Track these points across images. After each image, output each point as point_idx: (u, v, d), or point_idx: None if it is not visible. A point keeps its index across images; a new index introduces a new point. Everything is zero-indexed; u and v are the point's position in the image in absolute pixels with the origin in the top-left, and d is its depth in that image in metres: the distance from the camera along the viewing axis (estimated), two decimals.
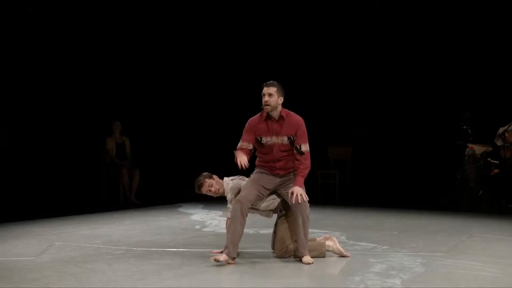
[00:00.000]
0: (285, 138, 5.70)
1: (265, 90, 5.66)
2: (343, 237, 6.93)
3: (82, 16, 11.06)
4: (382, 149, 11.59)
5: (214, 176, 6.08)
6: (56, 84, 11.08)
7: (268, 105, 5.62)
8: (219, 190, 6.02)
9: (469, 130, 10.01)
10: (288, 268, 5.45)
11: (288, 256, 5.74)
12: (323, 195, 11.41)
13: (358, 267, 5.34)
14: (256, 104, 5.77)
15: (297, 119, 5.74)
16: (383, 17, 11.42)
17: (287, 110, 5.75)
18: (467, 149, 10.09)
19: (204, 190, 6.03)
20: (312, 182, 11.59)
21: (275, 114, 5.68)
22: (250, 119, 5.84)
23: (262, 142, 5.73)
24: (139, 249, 6.31)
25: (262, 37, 12.17)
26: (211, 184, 6.01)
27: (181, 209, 9.71)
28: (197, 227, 7.85)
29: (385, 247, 6.33)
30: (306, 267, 5.46)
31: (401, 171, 11.26)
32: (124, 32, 11.63)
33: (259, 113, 5.79)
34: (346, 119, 11.96)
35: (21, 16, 10.45)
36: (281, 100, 5.69)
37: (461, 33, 10.90)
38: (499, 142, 9.94)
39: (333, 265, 5.47)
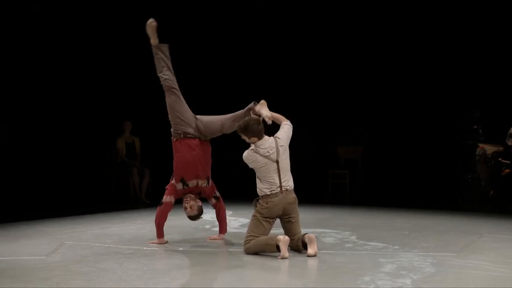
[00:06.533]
0: None
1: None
2: (354, 237, 6.92)
3: (93, 14, 11.05)
4: (392, 149, 11.55)
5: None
6: (68, 84, 11.11)
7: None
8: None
9: (480, 130, 9.97)
10: (297, 267, 5.45)
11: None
12: (334, 194, 11.40)
13: (368, 267, 5.33)
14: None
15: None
16: (393, 14, 11.36)
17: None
18: (478, 149, 10.06)
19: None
20: (323, 182, 11.61)
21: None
22: None
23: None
24: (149, 248, 6.32)
25: (272, 38, 12.12)
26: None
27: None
28: (207, 226, 7.86)
29: (395, 247, 6.31)
30: (315, 266, 5.47)
31: (412, 171, 11.21)
32: (135, 31, 11.63)
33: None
34: (357, 119, 11.93)
35: (33, 14, 10.48)
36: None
37: (471, 32, 10.84)
38: (510, 142, 9.91)
39: (343, 265, 5.46)
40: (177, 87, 6.62)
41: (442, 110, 11.08)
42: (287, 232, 5.96)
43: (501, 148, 10.03)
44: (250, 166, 6.01)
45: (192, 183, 6.45)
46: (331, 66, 11.93)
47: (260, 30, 12.10)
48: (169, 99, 6.60)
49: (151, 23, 6.64)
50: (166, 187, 6.54)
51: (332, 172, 11.49)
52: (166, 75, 6.61)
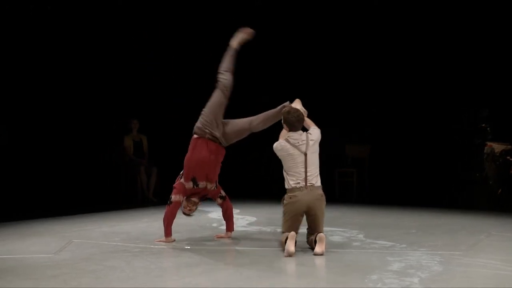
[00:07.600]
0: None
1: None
2: (361, 236, 6.91)
3: (97, 12, 11.06)
4: (400, 148, 11.54)
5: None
6: (74, 83, 11.12)
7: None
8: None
9: (488, 128, 9.95)
10: (304, 266, 5.45)
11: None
12: (341, 193, 11.38)
13: (376, 266, 5.32)
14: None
15: None
16: (399, 15, 11.34)
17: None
18: (486, 147, 10.03)
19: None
20: (330, 180, 11.59)
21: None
22: None
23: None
24: (157, 246, 6.34)
25: (272, 38, 12.06)
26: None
27: (198, 207, 9.70)
28: (215, 225, 7.87)
29: (403, 245, 6.30)
30: (322, 264, 5.46)
31: (420, 169, 11.20)
32: (142, 30, 11.64)
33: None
34: (364, 117, 11.91)
35: (41, 14, 10.50)
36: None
37: (478, 30, 10.80)
38: None
39: (351, 263, 5.46)
40: (229, 92, 6.63)
41: (450, 109, 11.05)
42: (310, 228, 6.04)
43: (509, 147, 10.00)
44: (278, 154, 6.08)
45: (202, 184, 6.48)
46: (338, 65, 11.91)
47: (261, 30, 12.03)
48: (216, 98, 6.61)
49: (248, 31, 6.88)
50: (174, 185, 6.55)
51: (340, 171, 11.48)
52: (227, 76, 6.64)
